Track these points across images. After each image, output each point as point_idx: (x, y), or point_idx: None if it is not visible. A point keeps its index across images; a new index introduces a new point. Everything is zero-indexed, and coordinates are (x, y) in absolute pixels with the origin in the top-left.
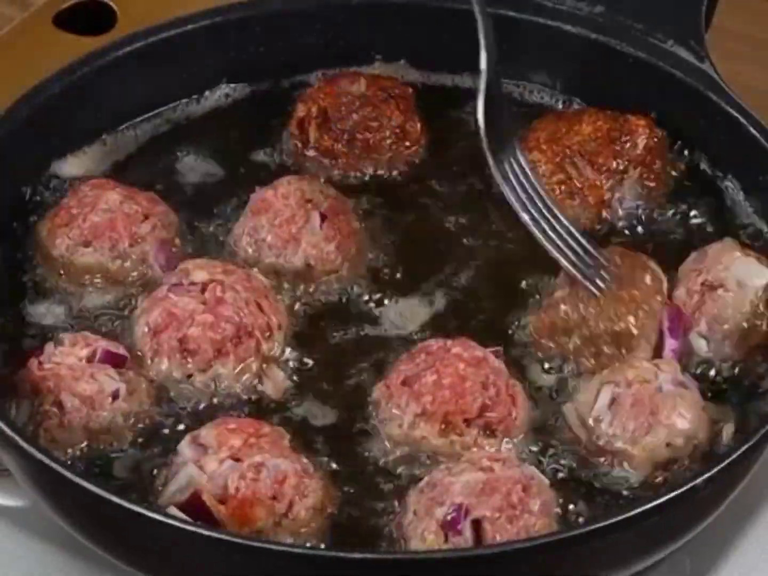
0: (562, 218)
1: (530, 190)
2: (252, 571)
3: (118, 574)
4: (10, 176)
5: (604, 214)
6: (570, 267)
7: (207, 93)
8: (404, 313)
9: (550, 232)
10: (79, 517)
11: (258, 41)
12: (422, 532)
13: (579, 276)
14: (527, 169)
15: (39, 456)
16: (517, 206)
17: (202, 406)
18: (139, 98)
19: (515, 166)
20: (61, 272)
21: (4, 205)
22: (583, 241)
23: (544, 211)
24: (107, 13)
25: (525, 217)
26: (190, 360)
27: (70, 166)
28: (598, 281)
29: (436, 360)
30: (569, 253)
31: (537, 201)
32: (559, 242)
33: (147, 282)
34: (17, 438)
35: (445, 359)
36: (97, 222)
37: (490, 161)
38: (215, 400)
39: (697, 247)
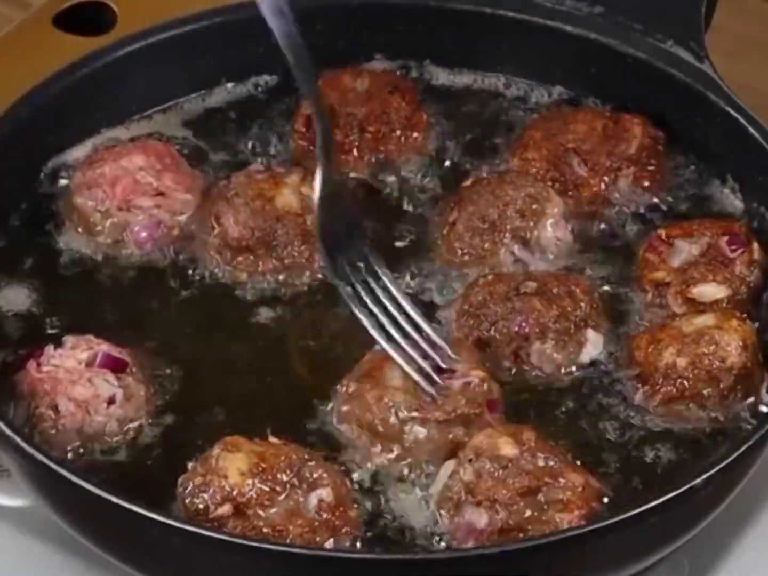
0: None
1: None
2: (252, 571)
3: (117, 574)
4: (9, 176)
5: (598, 212)
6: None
7: (208, 92)
8: None
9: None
10: (79, 517)
11: (258, 41)
12: None
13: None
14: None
15: (39, 456)
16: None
17: (201, 408)
18: (138, 98)
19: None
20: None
21: (3, 205)
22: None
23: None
24: (107, 13)
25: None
26: None
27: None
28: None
29: None
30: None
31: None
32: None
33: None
34: (18, 438)
35: None
36: (105, 173)
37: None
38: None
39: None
